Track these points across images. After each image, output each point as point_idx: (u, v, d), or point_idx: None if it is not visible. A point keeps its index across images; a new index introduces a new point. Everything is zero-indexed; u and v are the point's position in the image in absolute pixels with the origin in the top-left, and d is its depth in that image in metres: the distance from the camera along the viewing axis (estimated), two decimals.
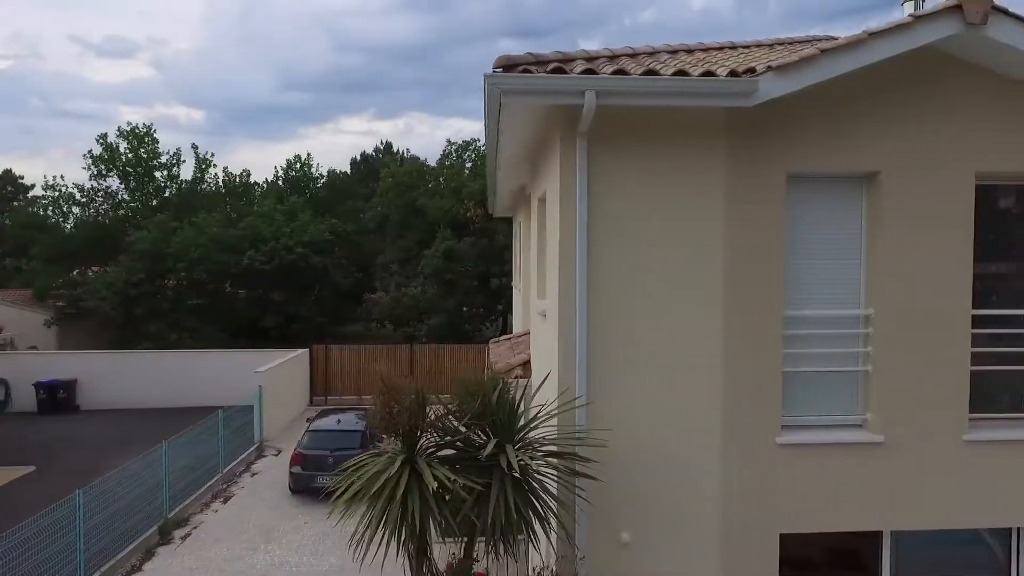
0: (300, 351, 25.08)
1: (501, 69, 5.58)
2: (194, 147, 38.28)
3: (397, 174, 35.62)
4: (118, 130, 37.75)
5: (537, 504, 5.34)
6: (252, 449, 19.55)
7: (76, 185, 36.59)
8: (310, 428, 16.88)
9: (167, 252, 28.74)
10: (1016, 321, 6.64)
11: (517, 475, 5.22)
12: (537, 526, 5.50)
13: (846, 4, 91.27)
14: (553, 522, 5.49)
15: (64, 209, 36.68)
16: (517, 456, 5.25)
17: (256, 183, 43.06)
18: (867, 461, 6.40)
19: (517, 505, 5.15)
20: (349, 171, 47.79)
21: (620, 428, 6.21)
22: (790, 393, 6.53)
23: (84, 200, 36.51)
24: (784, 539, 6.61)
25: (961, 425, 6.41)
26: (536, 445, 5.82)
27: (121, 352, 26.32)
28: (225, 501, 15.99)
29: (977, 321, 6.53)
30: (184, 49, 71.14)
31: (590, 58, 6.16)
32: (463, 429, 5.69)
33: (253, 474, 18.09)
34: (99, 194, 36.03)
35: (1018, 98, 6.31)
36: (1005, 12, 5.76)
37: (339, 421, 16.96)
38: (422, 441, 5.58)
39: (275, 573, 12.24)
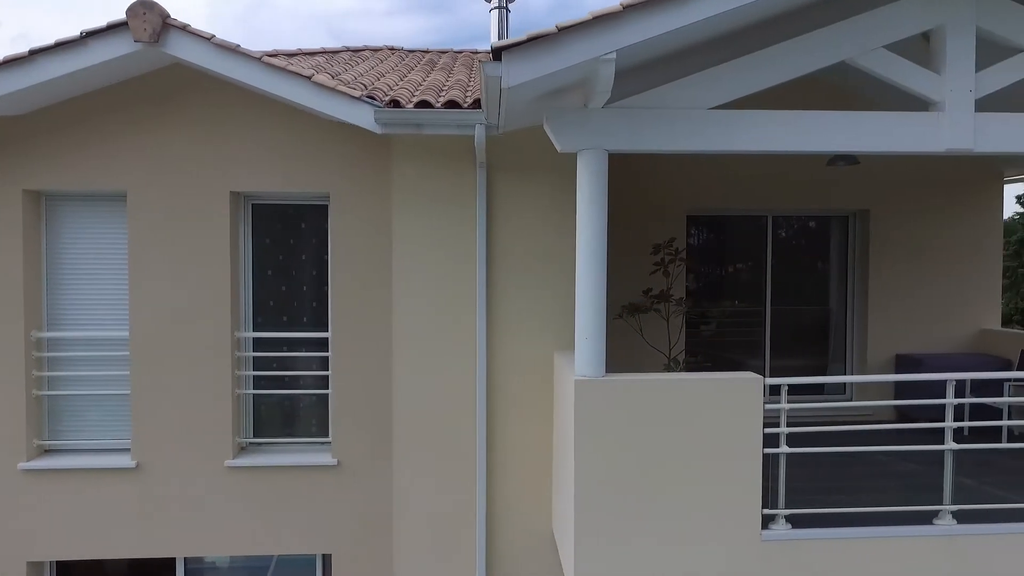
0: None
1: None
2: None
3: None
4: None
5: None
6: None
7: None
8: None
9: None
10: (291, 343, 6.48)
11: None
12: None
13: None
14: None
15: None
16: None
17: None
18: (130, 487, 6.24)
19: None
20: None
21: None
22: (61, 417, 6.38)
23: None
24: (75, 565, 6.50)
25: (225, 451, 6.25)
26: None
27: None
28: None
29: (248, 344, 6.39)
30: None
31: None
32: None
33: None
34: None
35: (275, 114, 6.09)
36: (184, 29, 5.51)
37: None
38: None
39: None
